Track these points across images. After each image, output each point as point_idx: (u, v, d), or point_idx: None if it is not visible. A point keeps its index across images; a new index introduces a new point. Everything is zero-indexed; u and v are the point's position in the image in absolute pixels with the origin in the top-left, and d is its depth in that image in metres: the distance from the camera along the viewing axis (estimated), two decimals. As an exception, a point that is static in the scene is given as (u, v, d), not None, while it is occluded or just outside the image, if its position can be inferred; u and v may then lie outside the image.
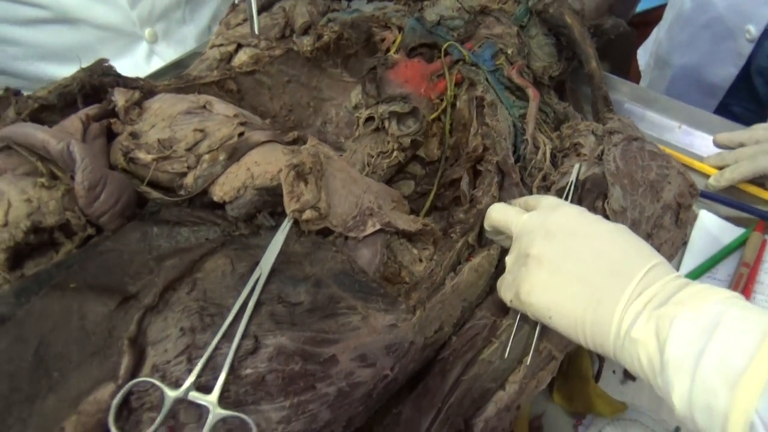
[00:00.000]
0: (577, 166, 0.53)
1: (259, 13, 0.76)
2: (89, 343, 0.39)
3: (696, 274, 0.63)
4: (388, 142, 0.61)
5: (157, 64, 0.93)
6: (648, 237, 0.51)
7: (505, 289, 0.46)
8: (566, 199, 0.51)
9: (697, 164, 0.74)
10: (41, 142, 0.43)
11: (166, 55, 0.95)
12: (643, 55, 1.22)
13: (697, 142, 0.77)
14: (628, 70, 1.23)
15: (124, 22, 0.90)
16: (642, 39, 1.23)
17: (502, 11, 0.69)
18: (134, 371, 0.38)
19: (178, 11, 0.98)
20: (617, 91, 0.82)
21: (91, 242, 0.45)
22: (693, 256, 0.64)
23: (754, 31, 0.88)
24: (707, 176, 0.72)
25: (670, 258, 0.55)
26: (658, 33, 1.14)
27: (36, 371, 0.38)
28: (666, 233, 0.53)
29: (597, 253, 0.41)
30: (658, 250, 0.53)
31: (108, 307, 0.40)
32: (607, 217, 0.51)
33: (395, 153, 0.61)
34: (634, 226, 0.51)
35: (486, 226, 0.51)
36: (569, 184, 0.52)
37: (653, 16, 1.22)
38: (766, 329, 0.31)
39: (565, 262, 0.41)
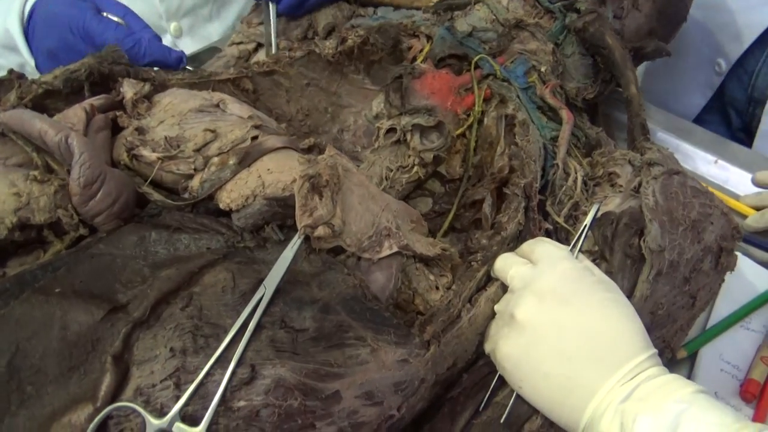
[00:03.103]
0: (595, 207, 0.49)
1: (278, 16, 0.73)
2: (69, 356, 0.36)
3: (728, 324, 0.58)
4: (409, 156, 0.58)
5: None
6: (685, 281, 0.47)
7: (487, 340, 0.44)
8: (578, 244, 0.47)
9: (732, 203, 0.70)
10: (38, 131, 0.40)
11: (188, 50, 0.94)
12: None
13: (734, 178, 0.73)
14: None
15: (150, 14, 0.89)
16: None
17: (538, 26, 0.65)
18: (116, 392, 0.34)
19: (206, 8, 0.98)
20: (650, 119, 0.78)
21: (82, 243, 0.41)
22: (725, 304, 0.60)
23: (723, 65, 0.88)
24: (744, 216, 0.68)
25: (706, 305, 0.51)
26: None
27: (8, 383, 0.35)
28: (705, 278, 0.48)
29: (585, 332, 0.39)
30: (695, 296, 0.50)
31: (94, 317, 0.37)
32: (642, 256, 0.47)
33: (415, 168, 0.58)
34: (672, 268, 0.47)
35: (492, 273, 0.48)
36: (584, 227, 0.48)
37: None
38: None
39: (548, 335, 0.40)
